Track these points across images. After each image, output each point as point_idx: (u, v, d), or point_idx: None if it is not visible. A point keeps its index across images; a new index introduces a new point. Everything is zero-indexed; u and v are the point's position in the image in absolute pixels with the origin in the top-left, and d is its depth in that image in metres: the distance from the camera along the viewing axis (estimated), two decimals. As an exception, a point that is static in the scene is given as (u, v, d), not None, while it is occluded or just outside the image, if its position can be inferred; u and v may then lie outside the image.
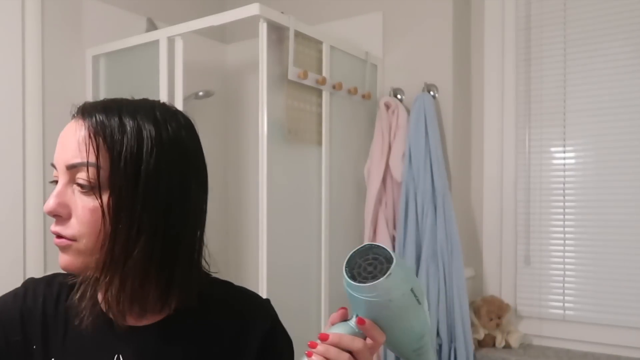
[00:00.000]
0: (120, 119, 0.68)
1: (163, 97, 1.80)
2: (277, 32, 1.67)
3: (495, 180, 2.05)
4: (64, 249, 0.69)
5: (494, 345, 1.94)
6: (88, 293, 0.69)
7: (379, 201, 1.95)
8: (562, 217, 1.95)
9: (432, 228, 1.83)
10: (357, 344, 0.63)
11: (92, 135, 0.67)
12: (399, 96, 2.04)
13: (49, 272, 0.81)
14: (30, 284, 0.78)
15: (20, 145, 1.83)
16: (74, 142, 0.68)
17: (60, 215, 0.68)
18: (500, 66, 2.04)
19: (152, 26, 2.16)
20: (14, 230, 1.81)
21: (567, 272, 1.94)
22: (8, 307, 0.75)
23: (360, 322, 0.64)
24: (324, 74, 1.82)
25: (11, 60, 1.81)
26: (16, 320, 0.74)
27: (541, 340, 1.98)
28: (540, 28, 1.99)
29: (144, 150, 0.67)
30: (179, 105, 1.78)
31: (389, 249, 0.63)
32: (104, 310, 0.72)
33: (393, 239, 1.95)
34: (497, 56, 2.05)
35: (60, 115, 1.75)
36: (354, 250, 0.64)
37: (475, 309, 1.96)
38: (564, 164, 1.95)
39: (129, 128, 0.68)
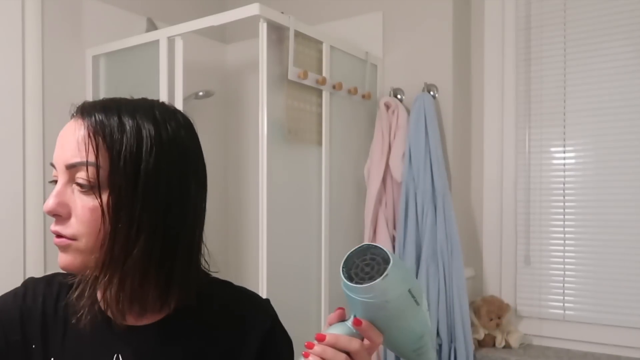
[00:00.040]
0: (120, 119, 0.68)
1: (163, 97, 1.80)
2: (277, 32, 1.67)
3: (495, 180, 2.05)
4: (63, 248, 0.69)
5: (494, 345, 1.94)
6: (87, 292, 0.69)
7: (379, 201, 1.95)
8: (562, 217, 1.95)
9: (432, 228, 1.83)
10: (354, 344, 0.63)
11: (91, 134, 0.67)
12: (399, 96, 2.04)
13: (49, 272, 0.81)
14: (30, 284, 0.78)
15: (20, 145, 1.83)
16: (73, 141, 0.68)
17: (60, 214, 0.68)
18: (500, 66, 2.04)
19: (152, 26, 2.16)
20: (14, 230, 1.81)
21: (567, 272, 1.94)
22: (8, 307, 0.75)
23: (357, 323, 0.63)
24: (324, 74, 1.82)
25: (11, 60, 1.81)
26: (16, 319, 0.74)
27: (541, 340, 1.98)
28: (540, 28, 1.99)
29: (144, 149, 0.67)
30: (179, 105, 1.78)
31: (387, 250, 0.62)
32: (103, 309, 0.72)
33: (393, 239, 1.95)
34: (497, 56, 2.05)
35: (60, 115, 1.75)
36: (352, 250, 0.64)
37: (475, 309, 1.96)
38: (564, 164, 1.95)
39: (128, 127, 0.68)
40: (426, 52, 2.03)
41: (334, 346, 0.63)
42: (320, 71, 1.82)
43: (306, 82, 1.74)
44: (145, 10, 2.21)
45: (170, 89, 1.82)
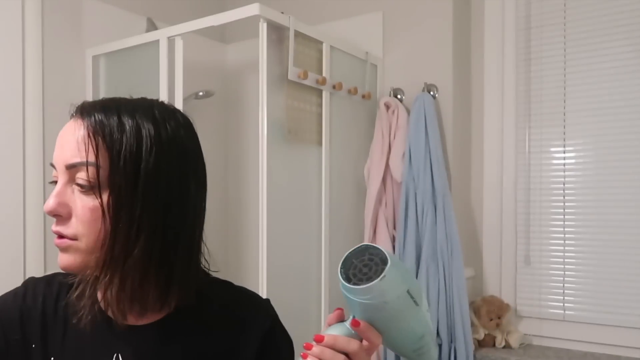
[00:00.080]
0: (119, 118, 0.68)
1: (163, 97, 1.80)
2: (277, 32, 1.67)
3: (495, 180, 2.05)
4: (64, 248, 0.69)
5: (494, 345, 1.93)
6: (87, 292, 0.69)
7: (379, 201, 1.95)
8: (562, 217, 1.95)
9: (432, 228, 1.83)
10: (352, 345, 0.62)
11: (91, 134, 0.67)
12: (399, 96, 2.04)
13: (49, 272, 0.81)
14: (31, 283, 0.79)
15: (20, 145, 1.83)
16: (73, 141, 0.68)
17: (61, 214, 0.68)
18: (500, 66, 2.04)
19: (152, 26, 2.16)
20: (14, 230, 1.81)
21: (567, 272, 1.94)
22: (8, 306, 0.75)
23: (355, 324, 0.63)
24: (324, 74, 1.82)
25: (11, 60, 1.81)
26: (16, 319, 0.74)
27: (541, 340, 1.98)
28: (540, 28, 1.99)
29: (143, 149, 0.67)
30: (179, 105, 1.78)
31: (385, 250, 0.61)
32: (104, 309, 0.72)
33: (393, 239, 1.95)
34: (497, 56, 2.04)
35: (60, 115, 1.74)
36: (350, 250, 0.63)
37: (475, 309, 1.96)
38: (564, 164, 1.95)
39: (128, 127, 0.68)
40: (426, 52, 2.03)
41: (332, 347, 0.62)
42: (320, 71, 1.82)
43: (306, 82, 1.73)
44: (145, 10, 2.21)
45: (170, 89, 1.82)
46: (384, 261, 0.60)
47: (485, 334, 1.93)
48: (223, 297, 0.81)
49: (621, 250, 1.84)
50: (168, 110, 0.73)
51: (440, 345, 1.80)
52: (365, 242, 0.64)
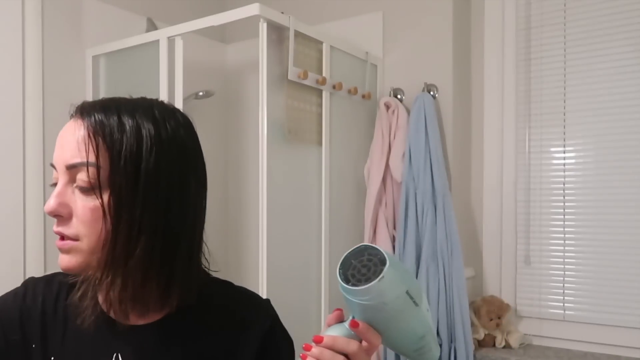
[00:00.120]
0: (119, 118, 0.68)
1: (163, 97, 1.79)
2: (277, 32, 1.67)
3: (495, 180, 2.05)
4: (66, 250, 0.69)
5: (494, 345, 1.94)
6: (89, 293, 0.69)
7: (379, 201, 1.95)
8: (562, 217, 1.95)
9: (432, 228, 1.83)
10: (352, 346, 0.62)
11: (91, 134, 0.67)
12: (399, 96, 2.04)
13: (49, 272, 0.81)
14: (30, 283, 0.79)
15: (21, 145, 1.83)
16: (73, 142, 0.68)
17: (61, 215, 0.68)
18: (500, 66, 2.04)
19: (152, 26, 2.16)
20: (14, 230, 1.81)
21: (567, 272, 1.94)
22: (8, 306, 0.75)
23: (354, 324, 0.62)
24: (324, 74, 1.82)
25: (11, 60, 1.81)
26: (15, 319, 0.74)
27: (541, 340, 1.98)
28: (540, 28, 1.99)
29: (144, 149, 0.67)
30: (179, 105, 1.78)
31: (384, 250, 0.61)
32: (104, 309, 0.72)
33: (393, 239, 1.95)
34: (497, 56, 2.04)
35: (60, 115, 1.74)
36: (349, 251, 0.63)
37: (475, 309, 1.96)
38: (564, 164, 1.95)
39: (128, 127, 0.68)
40: (426, 52, 2.03)
41: (331, 348, 0.62)
42: (320, 71, 1.82)
43: (306, 82, 1.73)
44: (145, 10, 2.21)
45: (170, 89, 1.82)
46: (383, 262, 0.60)
47: (485, 334, 1.93)
48: (223, 297, 0.81)
49: (621, 250, 1.84)
50: (168, 110, 0.73)
51: (440, 345, 1.79)
52: (365, 243, 0.63)
